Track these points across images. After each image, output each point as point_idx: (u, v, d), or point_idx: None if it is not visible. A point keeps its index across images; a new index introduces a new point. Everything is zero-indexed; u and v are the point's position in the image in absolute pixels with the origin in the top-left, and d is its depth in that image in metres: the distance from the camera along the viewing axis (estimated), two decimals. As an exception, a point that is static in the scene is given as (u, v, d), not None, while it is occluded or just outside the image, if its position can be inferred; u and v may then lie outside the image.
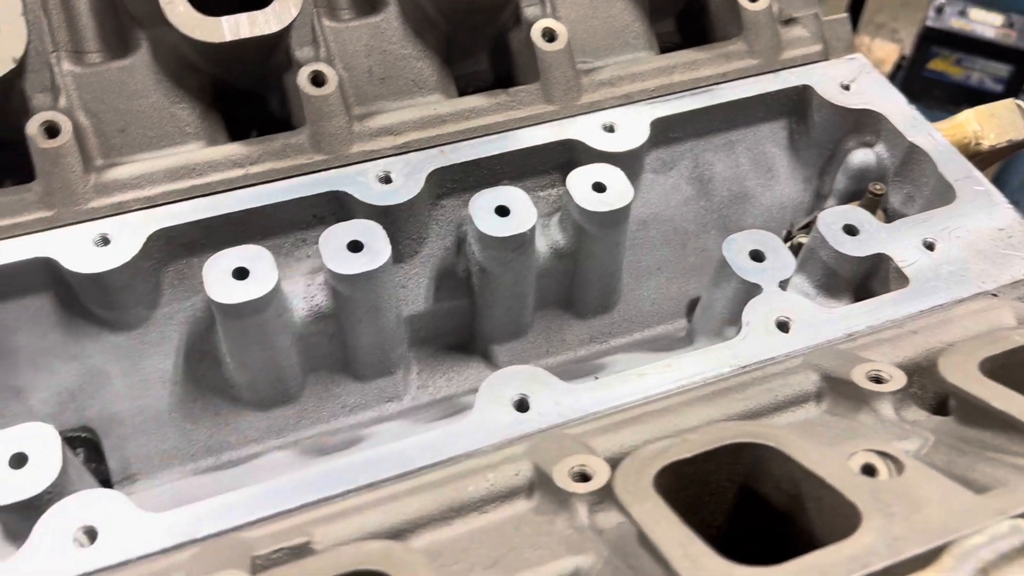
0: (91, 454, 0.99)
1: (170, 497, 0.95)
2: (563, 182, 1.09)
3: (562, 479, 0.71)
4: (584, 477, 0.71)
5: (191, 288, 0.99)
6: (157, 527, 0.73)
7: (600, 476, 0.71)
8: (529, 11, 1.12)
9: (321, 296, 0.98)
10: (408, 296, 1.06)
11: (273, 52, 1.03)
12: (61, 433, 0.79)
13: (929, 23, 3.50)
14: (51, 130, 0.94)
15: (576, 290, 1.09)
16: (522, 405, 0.83)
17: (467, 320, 1.10)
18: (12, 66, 0.91)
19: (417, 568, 0.57)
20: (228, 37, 0.95)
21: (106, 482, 0.97)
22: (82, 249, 0.92)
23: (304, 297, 0.98)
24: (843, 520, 0.59)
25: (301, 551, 0.71)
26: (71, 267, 0.90)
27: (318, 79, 1.01)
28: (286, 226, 1.01)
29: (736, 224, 1.17)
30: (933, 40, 3.52)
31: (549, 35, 1.09)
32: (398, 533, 0.73)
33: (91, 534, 0.73)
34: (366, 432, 1.02)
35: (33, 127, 0.94)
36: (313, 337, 0.99)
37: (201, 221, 0.96)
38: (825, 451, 0.62)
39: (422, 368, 1.11)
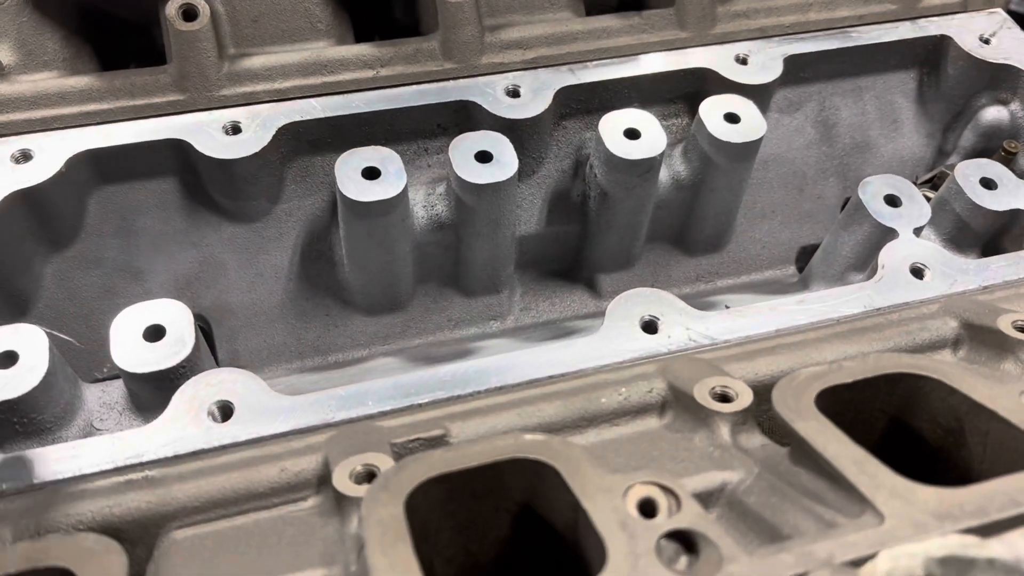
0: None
1: (282, 390, 0.96)
2: (688, 112, 1.08)
3: (703, 398, 0.70)
4: (725, 398, 0.70)
5: (313, 186, 0.99)
6: (292, 408, 0.74)
7: (743, 398, 0.70)
8: (667, -66, 1.08)
9: (441, 206, 0.97)
10: (521, 216, 1.05)
11: (410, -46, 1.01)
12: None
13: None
14: (188, 13, 0.93)
15: (690, 225, 1.07)
16: (650, 327, 0.82)
17: (574, 246, 1.09)
18: (160, -57, 0.90)
19: (579, 459, 0.57)
20: (372, -68, 0.94)
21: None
22: (213, 135, 0.92)
23: (424, 205, 0.97)
24: (1014, 454, 0.58)
25: (437, 442, 0.71)
26: (203, 151, 0.90)
27: (455, -15, 0.99)
28: (410, 133, 1.00)
29: (856, 173, 1.14)
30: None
31: (690, -40, 1.06)
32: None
33: (226, 410, 0.74)
34: (473, 346, 1.02)
35: (172, 8, 0.93)
36: (429, 246, 0.99)
37: (330, 119, 0.96)
38: (995, 386, 0.61)
39: (525, 290, 1.10)
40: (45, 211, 0.89)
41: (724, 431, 0.69)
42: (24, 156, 0.88)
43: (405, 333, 1.04)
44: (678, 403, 0.73)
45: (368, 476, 0.65)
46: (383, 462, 0.65)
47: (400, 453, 0.69)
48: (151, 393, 0.78)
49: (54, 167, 0.87)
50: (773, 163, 1.12)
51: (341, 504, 0.62)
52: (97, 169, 0.91)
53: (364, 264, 0.97)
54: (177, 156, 0.92)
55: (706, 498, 0.63)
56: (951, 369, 0.63)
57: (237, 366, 0.99)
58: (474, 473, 0.58)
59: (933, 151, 1.18)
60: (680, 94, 1.06)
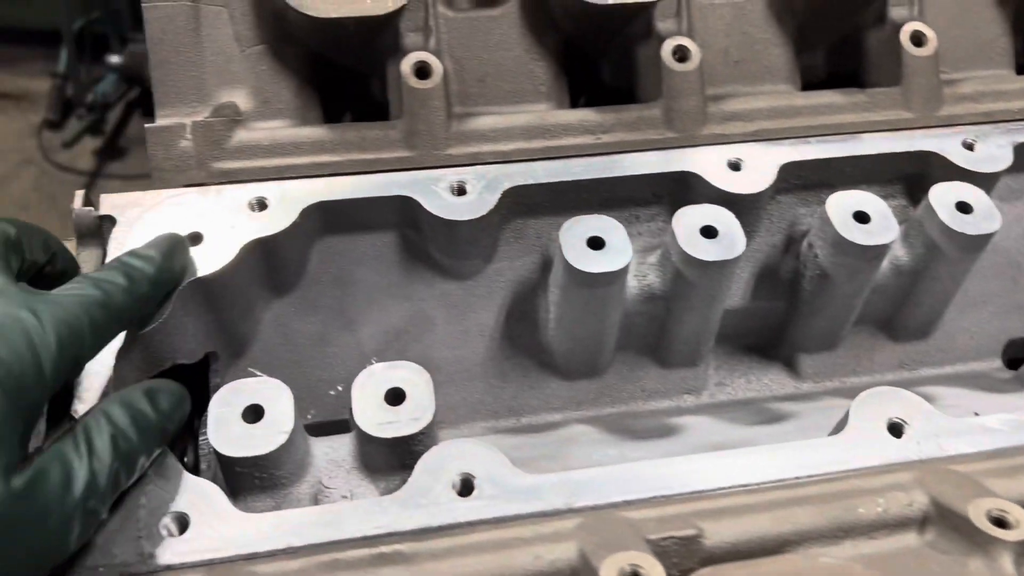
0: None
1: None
2: (905, 194, 1.05)
3: (980, 520, 0.66)
4: (1001, 523, 0.66)
5: (524, 248, 0.98)
6: (533, 488, 0.73)
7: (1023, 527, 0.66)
8: (895, 11, 1.05)
9: (653, 276, 0.95)
10: (726, 289, 1.03)
11: (637, 19, 1.00)
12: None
13: None
14: (422, 71, 0.94)
15: (902, 310, 1.03)
16: (896, 430, 0.79)
17: (776, 323, 1.05)
18: (405, 1, 0.91)
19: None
20: (612, 0, 0.93)
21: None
22: (440, 194, 0.92)
23: (635, 275, 0.96)
24: None
25: (690, 543, 0.69)
26: (431, 210, 0.90)
27: (681, 55, 0.98)
28: (624, 200, 0.99)
29: (1075, 267, 1.09)
30: None
31: (917, 39, 1.03)
32: (785, 543, 0.70)
33: (467, 483, 0.73)
34: (672, 422, 0.99)
35: (407, 66, 0.94)
36: (637, 316, 0.97)
37: (552, 184, 0.95)
38: None
39: (719, 365, 1.07)
40: (275, 259, 0.90)
41: (1007, 561, 0.65)
42: (260, 204, 0.89)
43: (598, 400, 1.03)
44: (943, 521, 0.70)
45: (633, 577, 0.63)
46: (648, 563, 0.63)
47: (655, 552, 0.67)
48: (385, 457, 0.78)
49: (290, 217, 0.88)
50: (989, 251, 1.06)
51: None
52: (325, 220, 0.92)
53: (573, 331, 0.95)
54: (401, 212, 0.93)
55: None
56: None
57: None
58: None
59: None
60: (900, 175, 1.03)
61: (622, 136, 0.98)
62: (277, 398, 0.76)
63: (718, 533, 0.69)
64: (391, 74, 0.98)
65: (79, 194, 0.87)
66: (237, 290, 0.88)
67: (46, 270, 0.73)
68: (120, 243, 0.85)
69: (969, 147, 1.01)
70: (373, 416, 0.76)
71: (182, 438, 0.89)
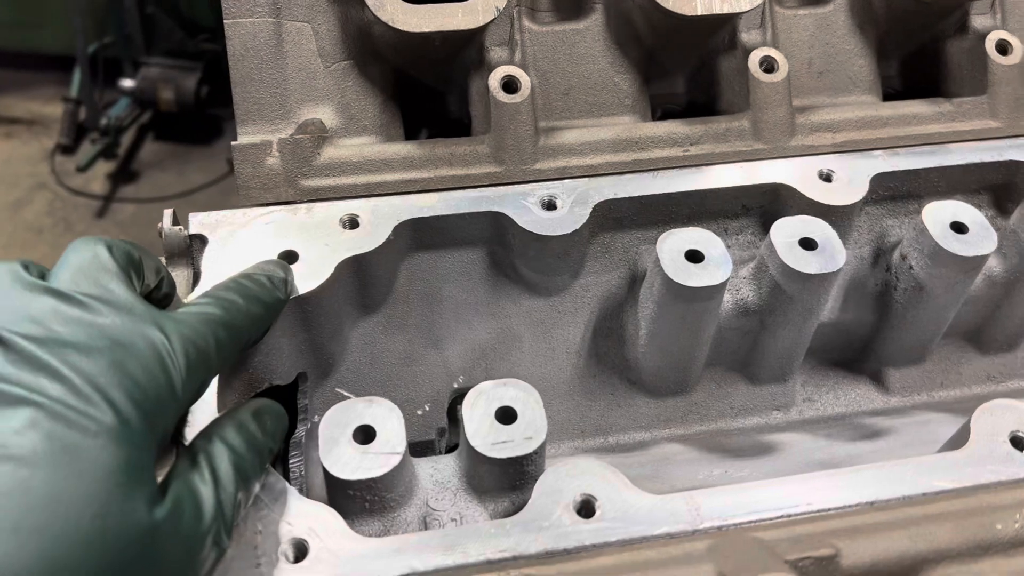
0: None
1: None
2: (992, 203, 1.03)
3: None
4: None
5: (611, 263, 0.97)
6: (655, 508, 0.71)
7: None
8: (978, 20, 1.05)
9: (747, 290, 0.94)
10: (813, 303, 1.01)
11: (721, 31, 0.99)
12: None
13: None
14: (510, 85, 0.93)
15: (992, 322, 1.02)
16: (1019, 443, 0.77)
17: (863, 337, 1.04)
18: (494, 15, 0.90)
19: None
20: (700, 11, 0.92)
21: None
22: (531, 209, 0.90)
23: (729, 289, 0.94)
24: None
25: (828, 562, 0.66)
26: (523, 225, 0.88)
27: (768, 66, 0.97)
28: (713, 213, 0.97)
29: None
30: None
31: (1002, 48, 1.02)
32: (923, 561, 0.68)
33: (588, 505, 0.71)
34: (765, 439, 0.97)
35: (494, 81, 0.92)
36: (729, 331, 0.95)
37: (641, 197, 0.93)
38: None
39: (806, 380, 1.05)
40: (367, 276, 0.88)
41: None
42: (352, 222, 0.88)
43: (687, 418, 1.01)
44: (1085, 537, 0.67)
45: (782, 599, 0.61)
46: (796, 585, 0.61)
47: (795, 573, 0.65)
48: (496, 478, 0.76)
49: (383, 235, 0.86)
50: (1076, 261, 1.06)
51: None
52: (415, 237, 0.91)
53: (666, 347, 0.93)
54: (492, 227, 0.91)
55: None
56: None
57: (523, 442, 0.97)
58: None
59: None
60: (987, 185, 1.02)
61: (711, 148, 0.97)
62: (387, 418, 0.74)
63: (855, 552, 0.67)
64: (475, 89, 0.97)
65: (168, 213, 0.86)
66: (331, 309, 0.86)
67: (154, 295, 0.71)
68: (214, 262, 0.84)
69: (1058, 156, 1.00)
70: (487, 436, 0.74)
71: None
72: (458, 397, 0.93)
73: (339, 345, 0.91)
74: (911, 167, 0.98)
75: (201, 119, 4.39)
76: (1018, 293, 0.98)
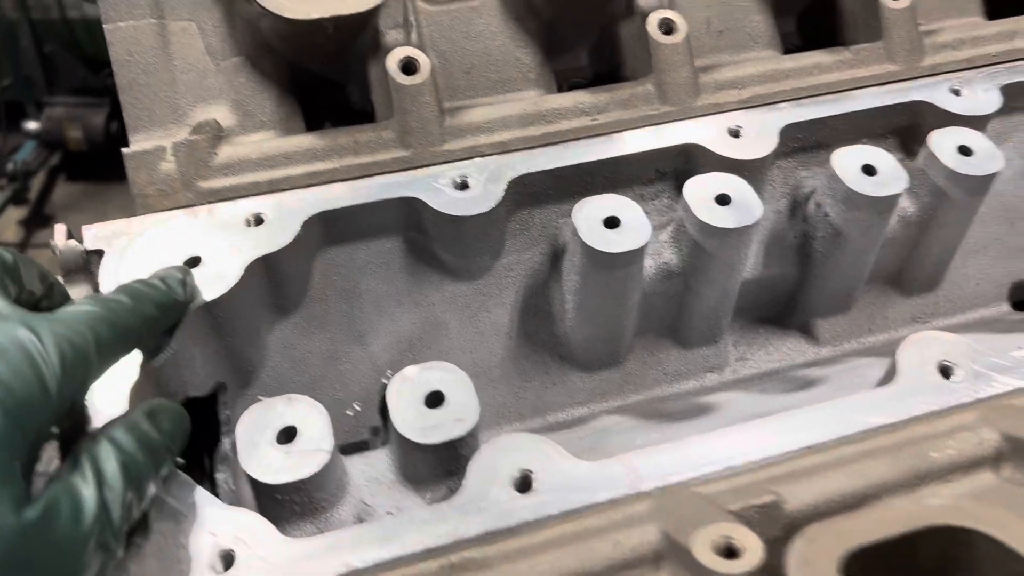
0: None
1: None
2: (900, 146, 1.05)
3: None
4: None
5: (531, 239, 0.95)
6: (593, 474, 0.69)
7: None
8: (866, -33, 1.06)
9: (668, 253, 0.93)
10: (736, 261, 1.01)
11: (612, 2, 0.99)
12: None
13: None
14: (408, 67, 0.91)
15: (910, 263, 1.03)
16: (946, 372, 0.77)
17: (787, 291, 1.04)
18: (384, -2, 0.87)
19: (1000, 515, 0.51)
20: (593, -23, 0.91)
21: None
22: (444, 191, 0.88)
23: (651, 254, 0.93)
24: None
25: (771, 509, 0.66)
26: (438, 208, 0.86)
27: (667, 27, 0.97)
28: (628, 179, 0.96)
29: (1067, 203, 1.10)
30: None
31: (892, -8, 1.03)
32: (865, 497, 0.67)
33: (526, 480, 0.69)
34: (703, 401, 0.97)
35: (392, 63, 0.90)
36: (655, 296, 0.94)
37: (554, 170, 0.92)
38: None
39: (737, 340, 1.05)
40: (279, 276, 0.85)
41: (1095, 483, 0.63)
42: (257, 220, 0.84)
43: (623, 389, 0.99)
44: (1018, 454, 0.68)
45: (728, 550, 0.59)
46: (739, 533, 0.60)
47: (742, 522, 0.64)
48: (430, 465, 0.73)
49: (291, 231, 0.83)
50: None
51: (704, 580, 0.57)
52: (327, 231, 0.88)
53: (593, 318, 0.92)
54: (406, 214, 0.89)
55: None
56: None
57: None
58: (889, 545, 0.53)
59: None
60: (893, 128, 1.03)
61: (618, 115, 0.96)
62: (309, 415, 0.71)
63: (797, 496, 0.66)
64: (374, 75, 0.94)
65: (60, 228, 0.81)
66: (243, 313, 0.82)
67: (43, 304, 0.67)
68: (112, 273, 0.79)
69: (956, 93, 1.02)
70: (415, 422, 0.71)
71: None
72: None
73: (257, 351, 0.88)
74: (817, 116, 0.98)
75: (114, 155, 4.26)
76: (932, 232, 0.99)
